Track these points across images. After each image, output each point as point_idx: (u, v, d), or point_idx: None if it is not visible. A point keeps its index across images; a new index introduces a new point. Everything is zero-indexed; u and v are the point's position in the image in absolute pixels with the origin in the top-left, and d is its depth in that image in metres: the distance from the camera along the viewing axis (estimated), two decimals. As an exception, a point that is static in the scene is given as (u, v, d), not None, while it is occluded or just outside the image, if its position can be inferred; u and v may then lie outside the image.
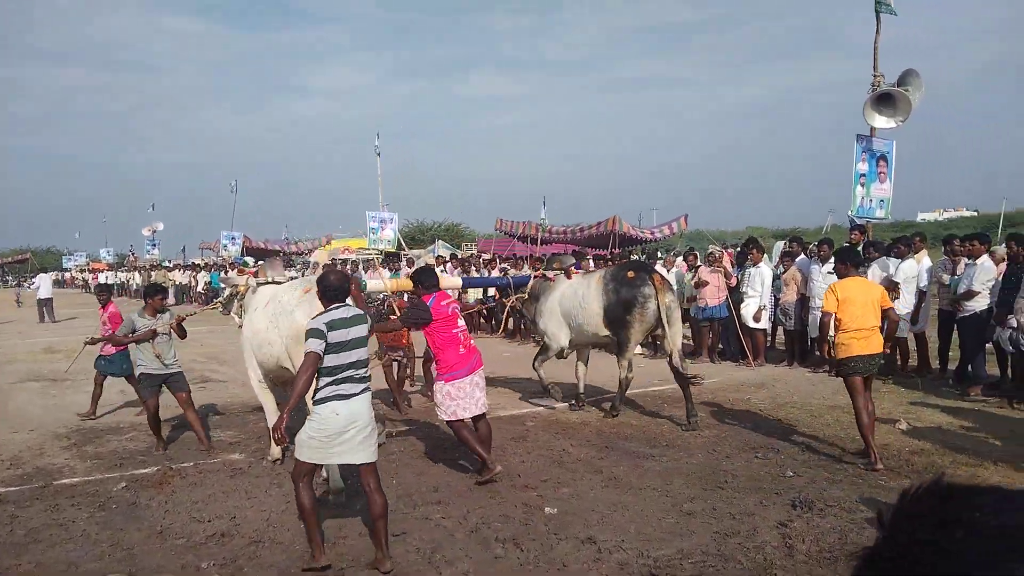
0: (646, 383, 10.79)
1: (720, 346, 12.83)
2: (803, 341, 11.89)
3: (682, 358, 8.36)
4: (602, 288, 8.47)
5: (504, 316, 10.80)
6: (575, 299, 8.66)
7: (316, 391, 4.72)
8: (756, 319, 11.95)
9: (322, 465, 5.10)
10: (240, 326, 7.52)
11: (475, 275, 16.96)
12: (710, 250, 14.00)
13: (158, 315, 7.97)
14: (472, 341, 6.55)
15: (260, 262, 8.76)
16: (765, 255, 12.66)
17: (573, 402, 9.19)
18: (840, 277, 6.93)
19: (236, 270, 8.02)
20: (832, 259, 10.02)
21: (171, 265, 40.00)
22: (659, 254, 16.70)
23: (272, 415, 7.15)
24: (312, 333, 4.66)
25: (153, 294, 8.14)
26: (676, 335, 8.40)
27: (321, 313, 4.87)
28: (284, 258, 34.01)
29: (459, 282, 10.21)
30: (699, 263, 13.45)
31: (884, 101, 11.33)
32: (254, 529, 5.55)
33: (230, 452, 7.76)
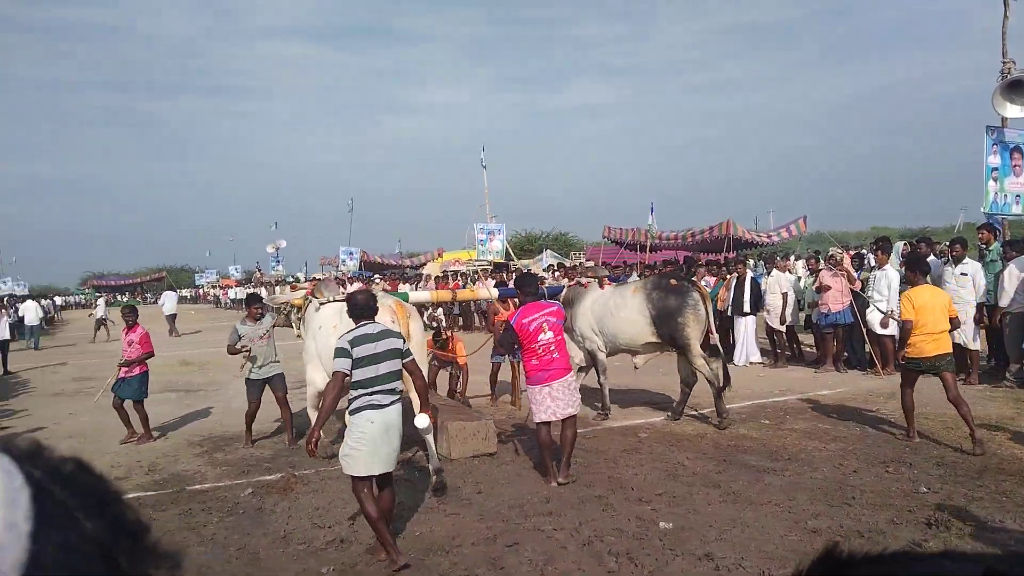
0: (767, 394, 10.41)
1: (845, 354, 12.22)
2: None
3: (707, 362, 8.74)
4: (645, 298, 8.76)
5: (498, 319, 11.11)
6: (606, 308, 8.99)
7: (350, 403, 5.06)
8: (884, 325, 11.30)
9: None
10: (298, 335, 8.31)
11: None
12: (831, 252, 13.40)
13: (258, 322, 8.76)
14: (555, 354, 6.64)
15: (316, 279, 9.32)
16: (892, 256, 11.98)
17: (603, 413, 9.23)
18: (912, 285, 7.44)
19: (290, 287, 8.72)
20: (964, 260, 9.60)
21: (293, 280, 41.82)
22: (777, 258, 16.07)
23: (315, 420, 7.38)
24: (337, 352, 5.03)
25: (251, 303, 9.02)
26: (713, 338, 8.93)
27: (347, 332, 5.21)
28: (399, 271, 35.03)
29: (496, 293, 10.51)
30: (820, 267, 12.87)
31: (1015, 89, 10.54)
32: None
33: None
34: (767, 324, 13.23)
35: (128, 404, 9.33)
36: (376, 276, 31.56)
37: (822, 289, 11.96)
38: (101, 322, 26.68)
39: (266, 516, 6.28)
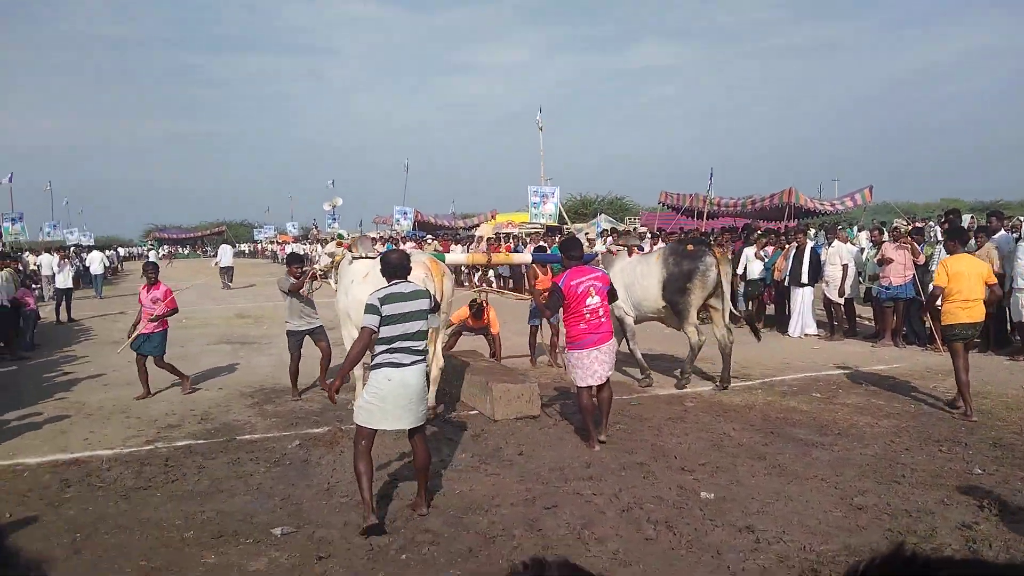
0: (820, 367, 10.19)
1: (904, 329, 11.86)
2: (1000, 326, 10.75)
3: (730, 329, 9.00)
4: (662, 263, 8.90)
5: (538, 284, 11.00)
6: (634, 275, 9.14)
7: (373, 358, 5.13)
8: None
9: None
10: (335, 289, 8.49)
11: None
12: (895, 224, 12.96)
13: (301, 278, 9.12)
14: (602, 319, 6.66)
15: (353, 235, 9.39)
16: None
17: (645, 377, 9.24)
18: (950, 254, 7.64)
19: (335, 242, 8.77)
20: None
21: (349, 237, 42.26)
22: (839, 228, 15.61)
23: (358, 376, 7.95)
24: (367, 309, 5.04)
25: (291, 262, 9.39)
26: (727, 304, 8.97)
27: (378, 289, 5.21)
28: (452, 232, 35.11)
29: (528, 258, 10.66)
30: (884, 239, 12.46)
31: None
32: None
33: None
34: (825, 296, 12.91)
35: (151, 362, 9.44)
36: (428, 236, 31.73)
37: (884, 262, 11.59)
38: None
39: (311, 468, 6.41)
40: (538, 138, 28.13)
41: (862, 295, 13.30)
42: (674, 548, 4.65)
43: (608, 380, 6.80)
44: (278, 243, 57.36)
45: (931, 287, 8.14)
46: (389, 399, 5.03)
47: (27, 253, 26.64)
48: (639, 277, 9.05)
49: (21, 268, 18.22)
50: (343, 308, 7.91)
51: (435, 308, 5.40)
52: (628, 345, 9.35)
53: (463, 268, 19.96)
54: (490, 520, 5.14)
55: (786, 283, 13.06)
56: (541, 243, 17.12)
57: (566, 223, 25.78)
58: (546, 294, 7.50)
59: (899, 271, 11.44)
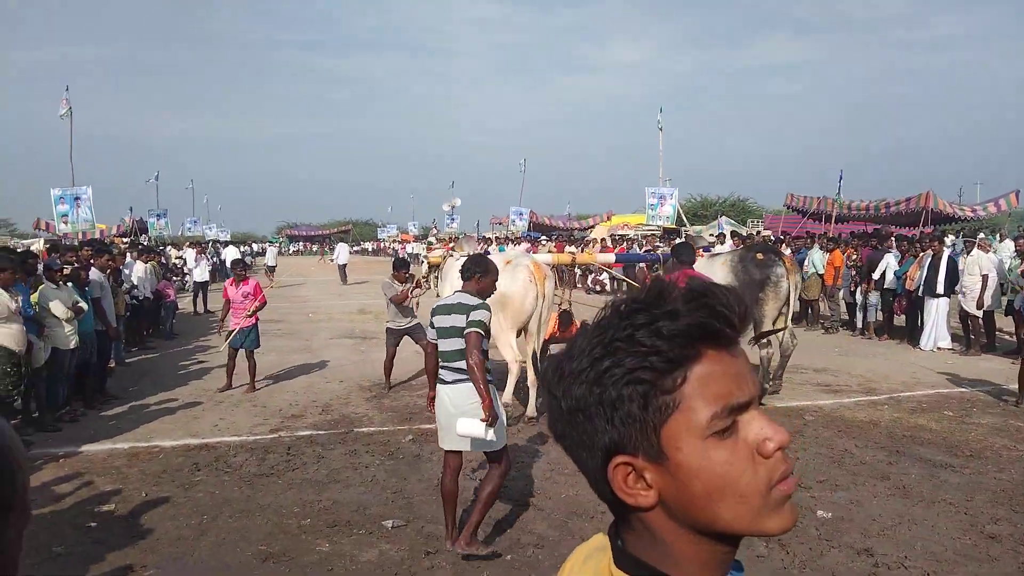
0: (953, 383, 9.57)
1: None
2: None
3: (793, 334, 8.93)
4: (730, 269, 8.61)
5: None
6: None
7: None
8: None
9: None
10: (437, 294, 8.94)
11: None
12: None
13: (405, 283, 9.51)
14: None
15: (457, 239, 9.82)
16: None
17: None
18: None
19: (427, 248, 9.23)
20: None
21: (428, 243, 43.02)
22: (981, 235, 14.62)
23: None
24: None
25: (397, 268, 9.73)
26: (788, 318, 8.79)
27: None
28: (566, 233, 35.11)
29: (612, 258, 11.17)
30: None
31: None
32: (519, 492, 5.79)
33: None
34: (961, 307, 12.10)
35: (241, 355, 9.63)
36: (543, 237, 31.86)
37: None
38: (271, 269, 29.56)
39: (422, 463, 6.57)
40: (657, 138, 27.71)
41: (1003, 308, 12.39)
42: (786, 567, 4.48)
43: None
44: (400, 242, 59.05)
45: None
46: (442, 417, 4.76)
47: (170, 248, 28.56)
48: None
49: (164, 262, 19.58)
50: None
51: (475, 324, 4.60)
52: None
53: (576, 270, 19.90)
54: (596, 527, 5.11)
55: (920, 292, 12.31)
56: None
57: (684, 225, 25.30)
58: None
59: (1047, 283, 10.58)
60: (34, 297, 7.74)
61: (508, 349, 7.81)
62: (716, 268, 8.81)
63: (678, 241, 8.98)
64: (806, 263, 14.84)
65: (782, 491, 0.81)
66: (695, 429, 0.80)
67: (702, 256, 9.65)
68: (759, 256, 8.69)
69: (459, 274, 4.96)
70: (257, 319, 9.89)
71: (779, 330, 8.60)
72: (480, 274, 4.81)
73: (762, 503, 0.80)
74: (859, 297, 14.03)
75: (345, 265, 30.04)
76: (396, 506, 5.58)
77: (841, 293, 14.52)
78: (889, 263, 13.30)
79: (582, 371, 0.83)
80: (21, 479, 0.75)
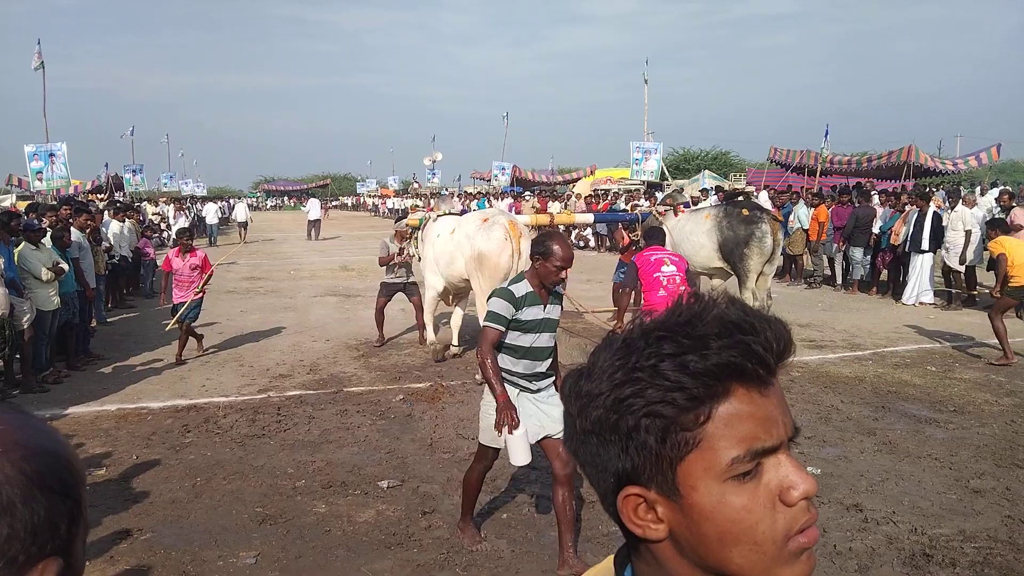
0: (936, 338, 9.70)
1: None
2: None
3: (769, 295, 9.13)
4: (715, 225, 8.89)
5: (624, 243, 10.98)
6: (681, 232, 9.22)
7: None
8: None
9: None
10: (416, 256, 9.28)
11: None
12: (1026, 188, 12.08)
13: (404, 241, 9.59)
14: (681, 287, 6.51)
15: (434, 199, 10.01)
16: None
17: None
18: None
19: (411, 209, 9.43)
20: None
21: (448, 192, 42.72)
22: (962, 189, 14.70)
23: (429, 313, 9.08)
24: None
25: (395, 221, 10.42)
26: (768, 277, 9.11)
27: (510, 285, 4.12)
28: (549, 188, 34.94)
29: (591, 218, 11.78)
30: (1014, 203, 11.64)
31: None
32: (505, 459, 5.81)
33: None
34: (944, 263, 12.22)
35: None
36: (527, 193, 31.69)
37: (1013, 228, 10.84)
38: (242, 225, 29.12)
39: (415, 423, 6.58)
40: (643, 91, 27.48)
41: (985, 263, 12.52)
42: (778, 524, 4.55)
43: None
44: (379, 197, 58.55)
45: None
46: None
47: (145, 203, 28.13)
48: (688, 234, 9.15)
49: (142, 219, 19.27)
50: (429, 259, 8.69)
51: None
52: None
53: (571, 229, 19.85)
54: (588, 485, 5.15)
55: (906, 248, 12.39)
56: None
57: (667, 180, 25.25)
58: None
59: (1029, 238, 10.68)
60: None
61: (479, 305, 7.80)
62: (700, 223, 9.09)
63: (650, 227, 8.98)
64: (791, 217, 14.88)
65: (801, 543, 0.77)
66: (714, 470, 0.76)
67: (683, 212, 9.86)
68: (744, 212, 8.84)
69: (472, 242, 4.79)
70: (204, 292, 9.31)
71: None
72: (541, 256, 3.96)
73: (777, 553, 0.76)
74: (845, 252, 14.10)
75: (318, 220, 29.65)
76: (390, 466, 5.60)
77: (825, 248, 14.59)
78: (885, 217, 13.34)
79: (600, 394, 0.79)
80: (84, 492, 0.74)
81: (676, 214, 9.78)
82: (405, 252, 9.50)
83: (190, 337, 9.18)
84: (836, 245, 14.14)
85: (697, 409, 0.75)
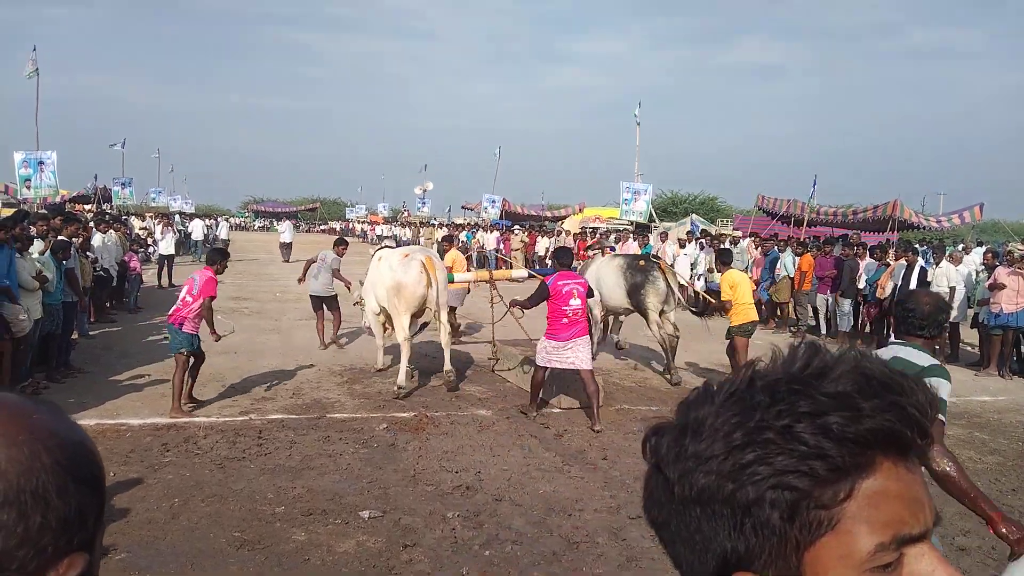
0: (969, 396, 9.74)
1: (1013, 359, 11.23)
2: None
3: (675, 327, 10.16)
4: (621, 273, 10.37)
5: None
6: (602, 273, 10.57)
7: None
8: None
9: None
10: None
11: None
12: (1008, 248, 12.28)
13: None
14: (579, 318, 7.61)
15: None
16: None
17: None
18: None
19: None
20: None
21: (437, 223, 42.79)
22: (955, 248, 14.91)
23: (379, 337, 9.80)
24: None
25: (339, 244, 11.91)
26: (670, 317, 10.21)
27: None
28: (538, 223, 35.08)
29: (525, 273, 12.17)
30: (997, 262, 11.81)
31: None
32: (496, 487, 5.76)
33: (479, 407, 8.13)
34: (927, 318, 12.32)
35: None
36: (516, 227, 31.80)
37: (996, 287, 10.99)
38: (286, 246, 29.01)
39: (398, 452, 6.51)
40: (634, 132, 27.79)
41: (968, 320, 12.67)
42: None
43: (592, 372, 7.73)
44: (368, 223, 58.55)
45: None
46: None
47: (132, 217, 27.95)
48: (606, 276, 10.52)
49: (128, 232, 19.13)
50: (366, 285, 9.66)
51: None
52: (590, 330, 9.55)
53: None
54: (574, 524, 5.12)
55: (892, 302, 12.49)
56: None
57: (655, 222, 25.46)
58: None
59: (1011, 298, 10.83)
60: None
61: (400, 330, 8.72)
62: (612, 268, 10.57)
63: (559, 246, 11.27)
64: (778, 265, 15.01)
65: None
66: (851, 559, 0.63)
67: (608, 254, 11.67)
68: (641, 263, 10.54)
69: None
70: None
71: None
72: None
73: None
74: (828, 303, 14.21)
75: (289, 244, 29.57)
76: (372, 496, 5.52)
77: (809, 297, 14.70)
78: (869, 270, 13.48)
79: (713, 458, 0.67)
80: (105, 489, 0.75)
81: (603, 254, 11.72)
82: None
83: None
84: (822, 296, 14.25)
85: (839, 483, 0.63)
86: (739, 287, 9.05)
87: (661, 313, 10.16)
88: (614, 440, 7.10)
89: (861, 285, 13.45)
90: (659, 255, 18.56)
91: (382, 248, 10.23)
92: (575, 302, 7.58)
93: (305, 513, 5.14)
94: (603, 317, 10.97)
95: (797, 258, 14.89)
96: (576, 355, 7.58)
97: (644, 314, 10.21)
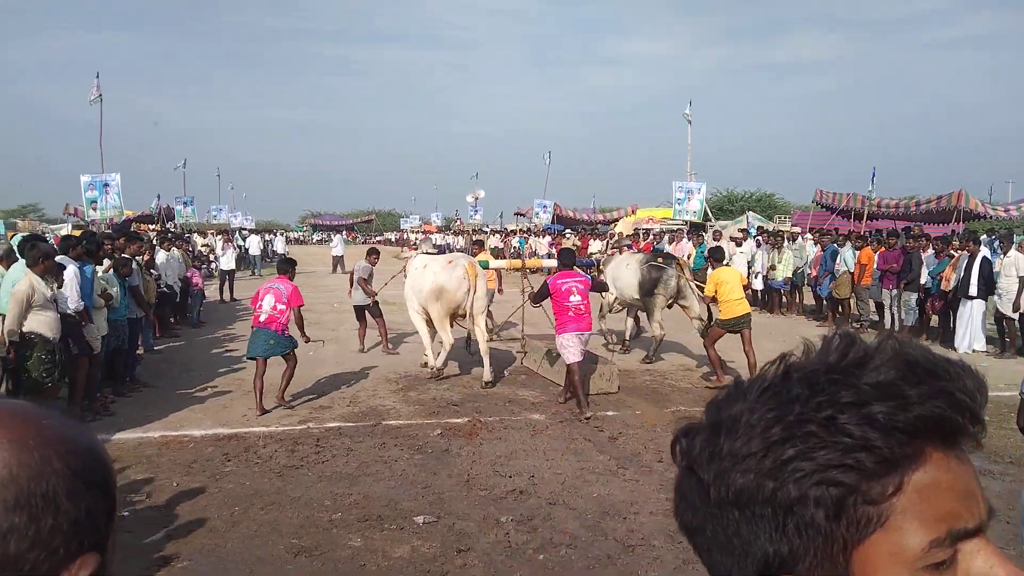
0: (989, 386, 9.38)
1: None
2: None
3: (701, 319, 10.54)
4: (638, 267, 10.98)
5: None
6: (619, 268, 11.52)
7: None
8: None
9: None
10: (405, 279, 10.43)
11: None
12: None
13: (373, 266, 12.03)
14: (584, 313, 8.18)
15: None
16: None
17: (621, 346, 11.87)
18: None
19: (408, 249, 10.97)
20: None
21: (489, 230, 42.93)
22: (1015, 236, 14.32)
23: (424, 335, 10.09)
24: None
25: (371, 253, 12.38)
26: (694, 305, 10.82)
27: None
28: (590, 226, 34.96)
29: (555, 263, 12.81)
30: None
31: None
32: (550, 491, 5.74)
33: (532, 412, 8.12)
34: (996, 310, 11.88)
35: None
36: (568, 231, 31.74)
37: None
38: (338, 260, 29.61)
39: (452, 458, 6.53)
40: (685, 132, 27.47)
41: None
42: None
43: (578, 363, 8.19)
44: (423, 232, 59.11)
45: None
46: None
47: (195, 235, 28.78)
48: (622, 271, 11.33)
49: (191, 249, 19.70)
50: (407, 290, 10.04)
51: None
52: (600, 312, 11.60)
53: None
54: (629, 527, 5.06)
55: (956, 294, 12.08)
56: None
57: (710, 221, 25.12)
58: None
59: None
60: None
61: (445, 332, 9.51)
62: (631, 263, 11.21)
63: (561, 247, 12.18)
64: (837, 260, 14.66)
65: None
66: (903, 557, 0.60)
67: (626, 251, 12.99)
68: (660, 260, 11.12)
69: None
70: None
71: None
72: None
73: None
74: (891, 296, 13.79)
75: (341, 256, 30.14)
76: (426, 501, 5.55)
77: (871, 292, 14.31)
78: (929, 262, 13.04)
79: (750, 456, 0.63)
80: (117, 492, 0.76)
81: (621, 252, 12.87)
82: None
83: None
84: (887, 290, 13.83)
85: (887, 476, 0.60)
86: (724, 285, 9.29)
87: (685, 308, 10.86)
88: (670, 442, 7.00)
89: (923, 279, 13.02)
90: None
91: (419, 255, 10.72)
92: (575, 298, 8.14)
93: (361, 519, 5.20)
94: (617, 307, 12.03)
95: (857, 252, 14.52)
96: (584, 347, 8.29)
97: (649, 309, 10.81)
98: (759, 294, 17.78)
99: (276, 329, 8.11)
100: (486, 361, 9.33)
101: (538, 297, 8.56)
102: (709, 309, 10.30)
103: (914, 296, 13.13)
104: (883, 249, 14.12)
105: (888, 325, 13.97)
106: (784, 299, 17.09)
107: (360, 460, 6.46)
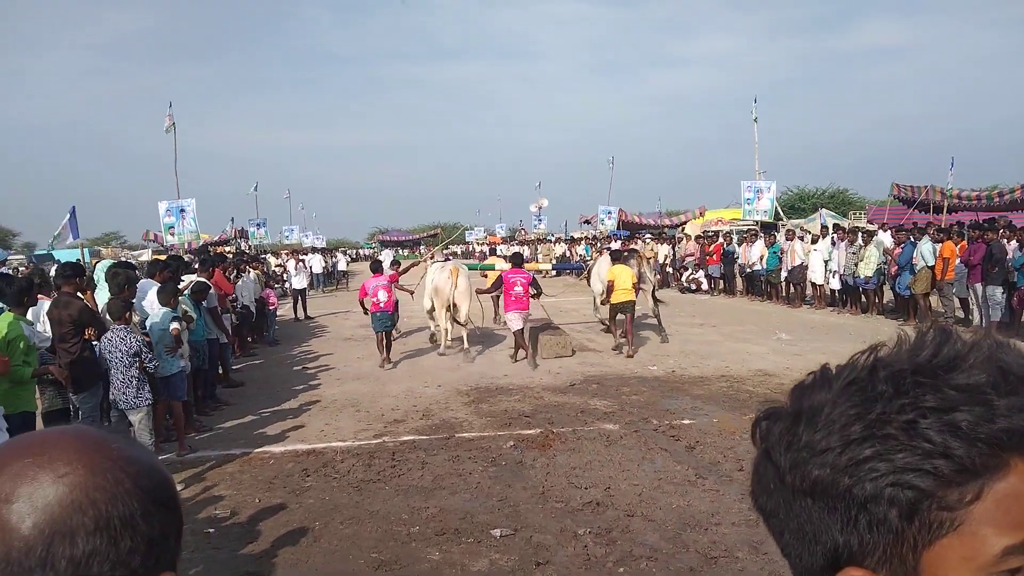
0: None
1: None
2: None
3: (656, 301, 13.63)
4: (608, 262, 13.22)
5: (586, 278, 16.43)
6: (598, 267, 14.25)
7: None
8: None
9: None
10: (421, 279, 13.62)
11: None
12: None
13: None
14: (523, 298, 11.51)
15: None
16: None
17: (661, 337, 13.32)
18: None
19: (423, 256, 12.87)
20: None
21: (554, 239, 42.91)
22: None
23: (441, 322, 12.62)
24: None
25: (393, 264, 14.92)
26: (649, 287, 13.51)
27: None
28: (656, 231, 34.57)
29: (549, 266, 17.78)
30: None
31: None
32: (627, 502, 5.65)
33: (605, 422, 8.03)
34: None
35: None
36: (633, 237, 31.40)
37: None
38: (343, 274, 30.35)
39: (525, 470, 6.50)
40: (752, 130, 26.95)
41: None
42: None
43: (521, 332, 11.58)
44: (488, 244, 59.46)
45: None
46: None
47: (268, 255, 29.56)
48: (601, 268, 13.71)
49: (265, 270, 20.22)
50: (425, 286, 13.06)
51: None
52: (595, 304, 14.77)
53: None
54: (711, 539, 4.94)
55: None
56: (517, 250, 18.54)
57: (781, 219, 24.53)
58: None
59: None
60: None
61: (442, 320, 12.51)
62: (603, 261, 13.88)
63: (513, 252, 14.92)
64: (915, 254, 14.12)
65: None
66: (976, 562, 0.59)
67: (605, 254, 15.11)
68: (625, 255, 13.20)
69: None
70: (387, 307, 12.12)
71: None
72: None
73: None
74: (978, 291, 13.19)
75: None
76: (502, 514, 5.53)
77: (955, 288, 13.70)
78: (1015, 252, 12.45)
79: (828, 450, 0.63)
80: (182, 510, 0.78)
81: (601, 254, 15.78)
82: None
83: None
84: (972, 285, 13.24)
85: (966, 484, 0.59)
86: (618, 278, 11.98)
87: (644, 291, 13.04)
88: (751, 451, 6.79)
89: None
90: (784, 252, 17.87)
91: (435, 263, 14.15)
92: (518, 289, 11.48)
93: (438, 532, 5.21)
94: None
95: (937, 246, 13.93)
96: (521, 322, 11.61)
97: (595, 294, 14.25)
98: (835, 294, 17.25)
99: (387, 309, 11.91)
100: (465, 336, 12.45)
101: (494, 287, 12.24)
102: (654, 292, 13.69)
103: (999, 290, 12.54)
104: (964, 242, 13.53)
105: (976, 322, 13.37)
106: (864, 298, 16.53)
107: (435, 473, 6.49)
